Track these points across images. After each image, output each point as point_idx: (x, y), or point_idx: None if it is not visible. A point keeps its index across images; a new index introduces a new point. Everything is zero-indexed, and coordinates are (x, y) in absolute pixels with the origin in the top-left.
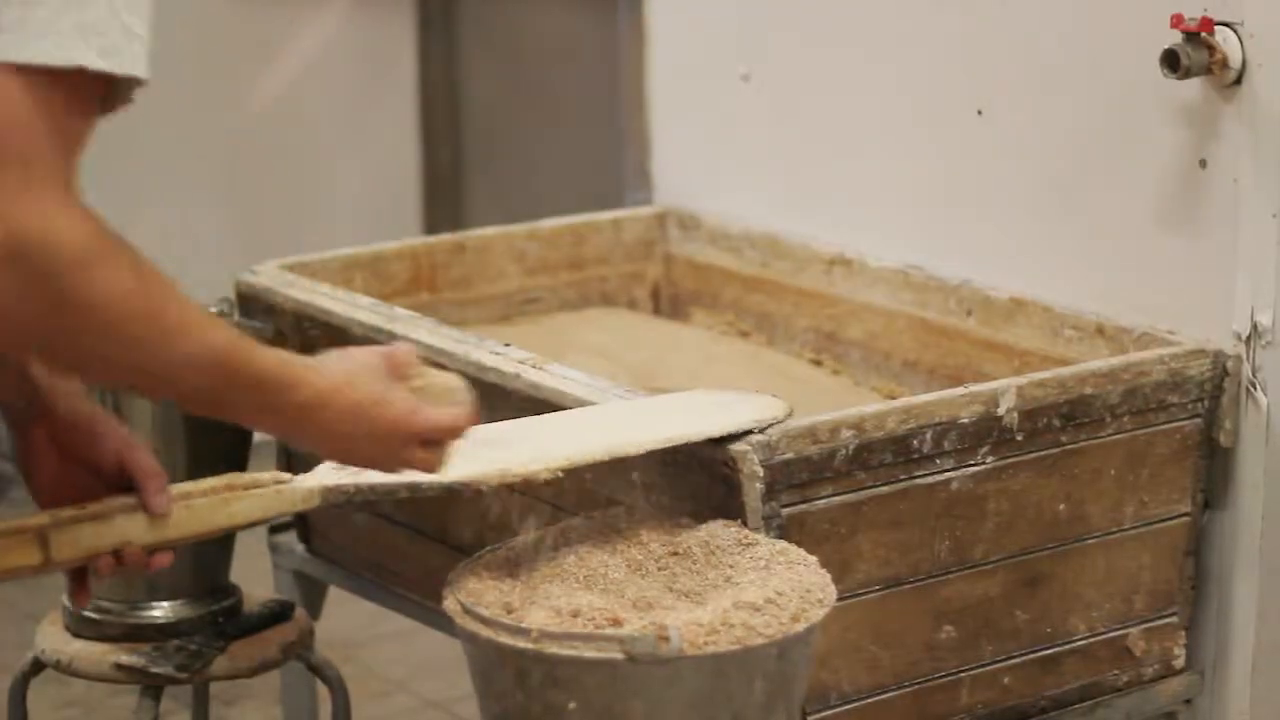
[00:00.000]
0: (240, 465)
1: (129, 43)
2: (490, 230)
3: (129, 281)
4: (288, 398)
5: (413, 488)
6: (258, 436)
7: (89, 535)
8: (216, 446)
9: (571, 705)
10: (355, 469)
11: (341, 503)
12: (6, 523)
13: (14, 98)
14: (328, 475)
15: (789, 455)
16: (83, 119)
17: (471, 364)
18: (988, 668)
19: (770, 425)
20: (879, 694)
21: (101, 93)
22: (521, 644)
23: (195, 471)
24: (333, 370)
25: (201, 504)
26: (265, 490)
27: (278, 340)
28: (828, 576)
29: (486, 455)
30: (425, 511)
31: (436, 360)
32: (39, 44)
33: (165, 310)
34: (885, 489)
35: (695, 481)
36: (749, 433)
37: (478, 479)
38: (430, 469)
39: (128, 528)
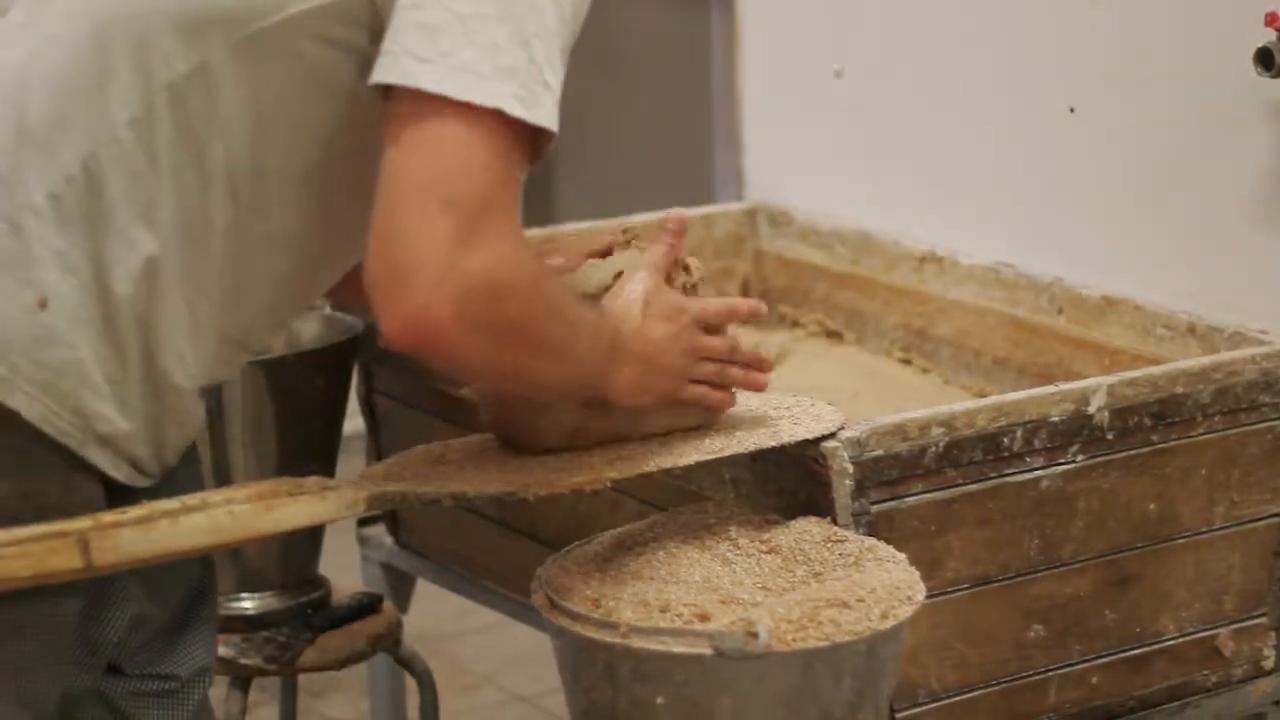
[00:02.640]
0: (330, 459)
1: (545, 93)
2: (580, 225)
3: (554, 295)
4: (616, 348)
5: (458, 497)
6: (347, 429)
7: (130, 540)
8: (306, 440)
9: (659, 700)
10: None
11: (388, 509)
12: (48, 526)
13: (448, 141)
14: (373, 482)
15: (879, 452)
16: (515, 164)
17: None
18: (1076, 667)
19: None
20: (967, 692)
21: (524, 140)
22: (610, 638)
23: (285, 465)
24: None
25: (245, 509)
26: (311, 496)
27: (367, 335)
28: (917, 574)
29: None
30: (514, 506)
31: None
32: (456, 79)
33: (571, 309)
34: (975, 487)
35: (785, 478)
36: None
37: (523, 489)
38: (708, 390)
39: (171, 533)
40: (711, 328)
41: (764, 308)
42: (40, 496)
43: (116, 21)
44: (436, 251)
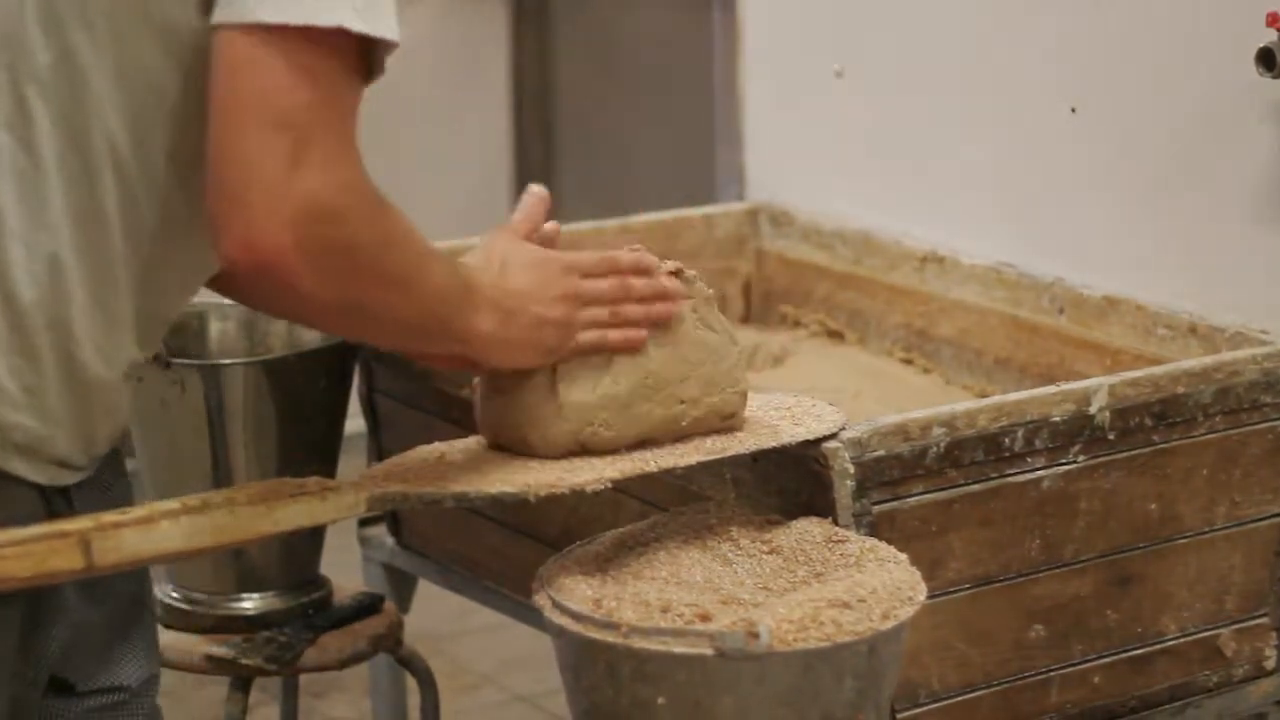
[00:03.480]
0: (331, 460)
1: (382, 4)
2: (582, 225)
3: (396, 225)
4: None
5: (459, 498)
6: (348, 429)
7: (132, 540)
8: (307, 441)
9: (661, 700)
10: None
11: (388, 510)
12: (49, 526)
13: (278, 65)
14: (374, 483)
15: (880, 452)
16: (352, 83)
17: None
18: (1077, 667)
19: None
20: (968, 692)
21: (362, 55)
22: (611, 639)
23: (286, 466)
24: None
25: (245, 510)
26: (312, 496)
27: None
28: (918, 574)
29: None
30: (515, 506)
31: None
32: (299, 5)
33: (418, 244)
34: (976, 487)
35: (786, 478)
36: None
37: (524, 491)
38: (605, 332)
39: (172, 533)
40: (595, 277)
41: (652, 259)
42: None
43: None
44: (271, 172)
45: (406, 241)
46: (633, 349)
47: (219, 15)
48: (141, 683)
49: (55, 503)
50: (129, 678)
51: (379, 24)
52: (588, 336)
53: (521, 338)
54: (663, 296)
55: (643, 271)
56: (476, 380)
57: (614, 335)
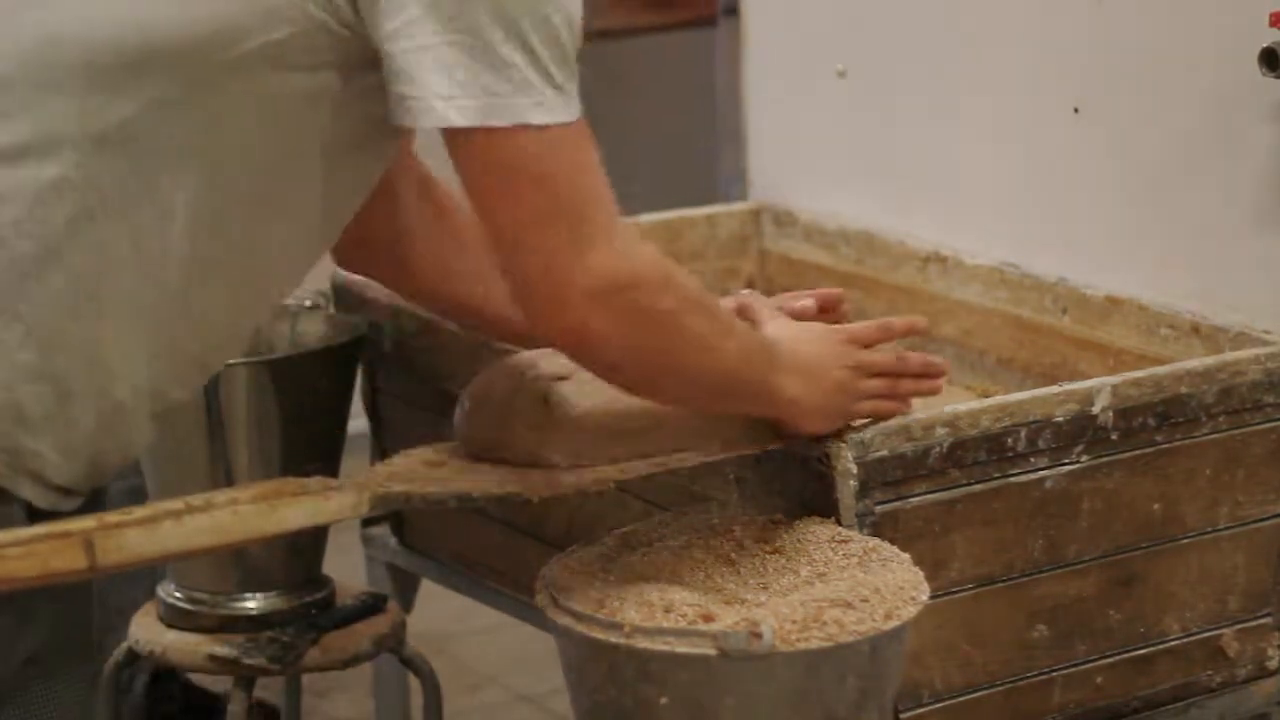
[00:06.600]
0: (334, 460)
1: (570, 86)
2: None
3: (691, 291)
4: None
5: (462, 498)
6: (351, 429)
7: (135, 540)
8: (310, 441)
9: (663, 700)
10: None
11: (392, 510)
12: (52, 526)
13: (556, 155)
14: (377, 482)
15: (883, 452)
16: (590, 158)
17: None
18: (1080, 667)
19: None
20: (971, 692)
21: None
22: (614, 639)
23: (289, 466)
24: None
25: (249, 510)
26: (314, 496)
27: (371, 335)
28: (921, 574)
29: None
30: (518, 506)
31: None
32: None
33: (717, 309)
34: (979, 487)
35: (789, 478)
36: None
37: (527, 490)
38: (880, 402)
39: (175, 533)
40: (868, 347)
41: (923, 321)
42: None
43: (63, 53)
44: (561, 263)
45: (702, 303)
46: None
47: (410, 119)
48: None
49: (39, 517)
50: None
51: (573, 106)
52: (866, 405)
53: (824, 402)
54: (932, 373)
55: (915, 332)
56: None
57: (887, 405)
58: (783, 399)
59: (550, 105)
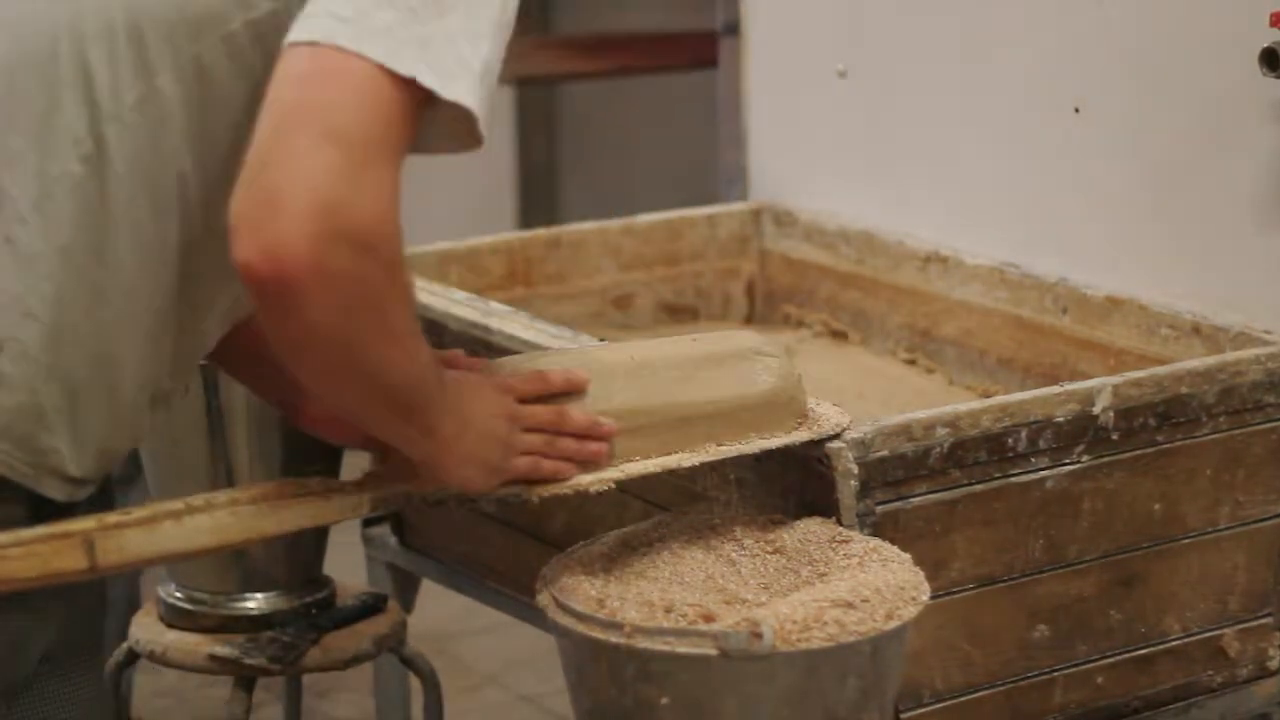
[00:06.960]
0: (334, 460)
1: (462, 71)
2: (585, 225)
3: (411, 283)
4: (434, 422)
5: (462, 498)
6: None
7: (135, 541)
8: (310, 441)
9: (664, 700)
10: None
11: (392, 510)
12: (53, 527)
13: (348, 84)
14: (377, 482)
15: (884, 453)
16: (407, 128)
17: None
18: (1081, 667)
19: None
20: (972, 693)
21: (419, 111)
22: (614, 639)
23: (289, 466)
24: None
25: (249, 510)
26: (315, 496)
27: None
28: (921, 574)
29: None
30: (518, 506)
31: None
32: (377, 42)
33: (415, 311)
34: (980, 487)
35: (789, 478)
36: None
37: (527, 490)
38: (539, 460)
39: (175, 533)
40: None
41: (585, 378)
42: None
43: (58, 45)
44: (314, 180)
45: (412, 305)
46: (563, 479)
47: (296, 35)
48: None
49: (43, 510)
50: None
51: (451, 86)
52: (523, 462)
53: (475, 450)
54: (595, 434)
55: (574, 389)
56: None
57: (547, 465)
58: (440, 435)
59: (438, 71)
